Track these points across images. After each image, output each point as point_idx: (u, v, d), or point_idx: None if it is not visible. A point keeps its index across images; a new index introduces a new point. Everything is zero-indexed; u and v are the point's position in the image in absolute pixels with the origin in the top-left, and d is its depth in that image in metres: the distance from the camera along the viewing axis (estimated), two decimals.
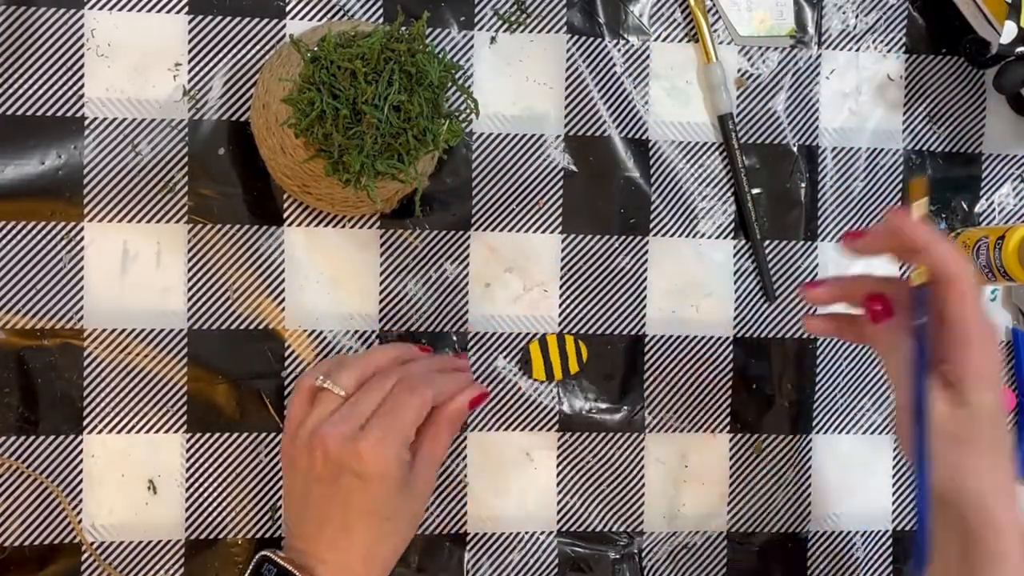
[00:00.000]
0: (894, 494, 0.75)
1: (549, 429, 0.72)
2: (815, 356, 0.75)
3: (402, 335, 0.70)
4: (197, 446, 0.69)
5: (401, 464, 0.59)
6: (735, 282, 0.74)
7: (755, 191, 0.74)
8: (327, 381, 0.61)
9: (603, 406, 0.73)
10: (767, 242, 0.74)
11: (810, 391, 0.75)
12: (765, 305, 0.74)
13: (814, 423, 0.75)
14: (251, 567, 0.60)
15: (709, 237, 0.74)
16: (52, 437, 0.67)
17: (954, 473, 0.55)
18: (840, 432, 0.75)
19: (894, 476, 0.76)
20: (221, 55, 0.68)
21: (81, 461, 0.68)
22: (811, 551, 0.75)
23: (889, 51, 0.76)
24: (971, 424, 0.54)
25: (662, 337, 0.73)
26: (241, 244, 0.69)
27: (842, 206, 0.75)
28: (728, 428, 0.74)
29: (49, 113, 0.67)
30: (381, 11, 0.70)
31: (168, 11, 0.68)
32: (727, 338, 0.74)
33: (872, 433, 0.75)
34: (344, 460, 0.58)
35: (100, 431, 0.68)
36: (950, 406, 0.54)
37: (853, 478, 0.75)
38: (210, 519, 0.69)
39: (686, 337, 0.74)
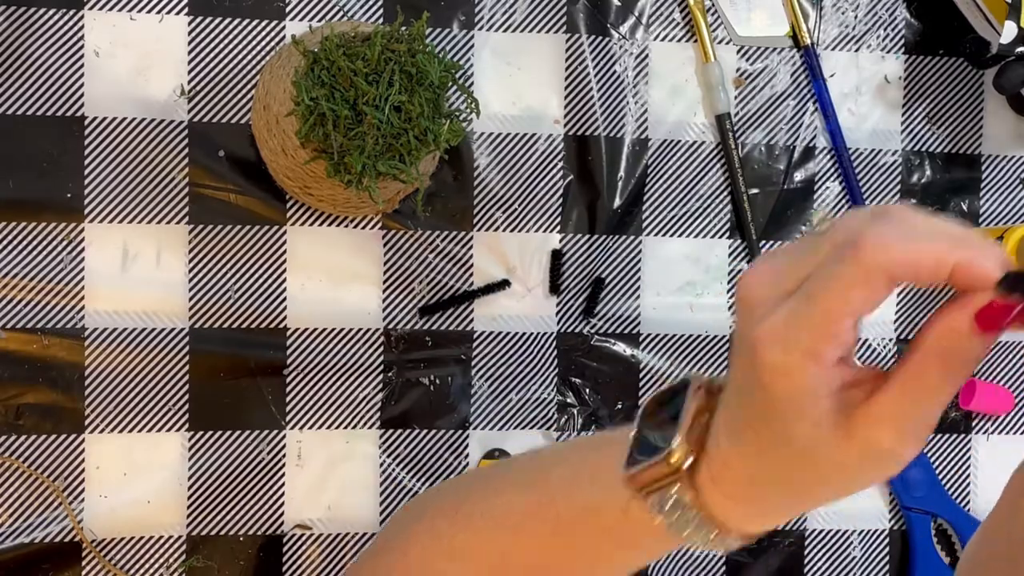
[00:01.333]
0: (891, 493, 0.76)
1: (550, 428, 0.72)
2: None
3: (404, 335, 0.71)
4: (198, 445, 0.69)
5: (812, 383, 0.35)
6: (731, 282, 0.74)
7: (752, 191, 0.74)
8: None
9: (601, 405, 0.73)
10: (763, 242, 0.74)
11: None
12: None
13: None
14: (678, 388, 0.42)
15: (706, 237, 0.74)
16: (52, 436, 0.67)
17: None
18: None
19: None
20: (221, 55, 0.68)
21: (82, 460, 0.68)
22: (808, 550, 0.75)
23: (888, 52, 0.76)
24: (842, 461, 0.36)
25: (657, 336, 0.73)
26: (242, 244, 0.69)
27: (840, 207, 0.75)
28: None
29: (49, 113, 0.67)
30: (381, 11, 0.70)
31: (168, 11, 0.68)
32: (723, 337, 0.74)
33: None
34: (749, 341, 0.36)
35: (101, 430, 0.68)
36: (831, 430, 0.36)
37: None
38: (211, 517, 0.69)
39: (682, 336, 0.74)
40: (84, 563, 0.68)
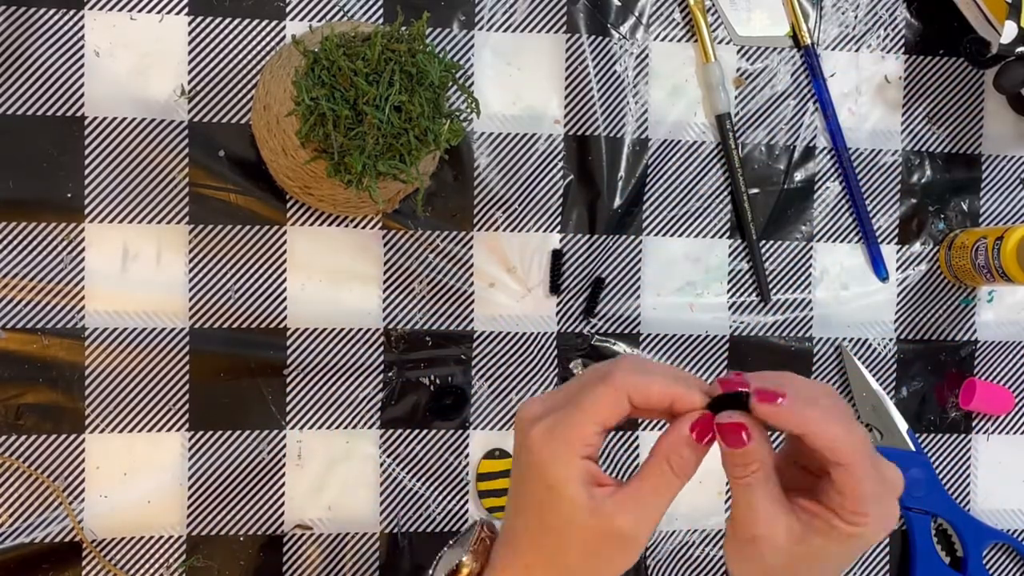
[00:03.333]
0: None
1: None
2: (811, 355, 0.75)
3: (405, 335, 0.71)
4: (198, 444, 0.69)
5: (572, 473, 0.45)
6: (731, 282, 0.74)
7: (752, 191, 0.74)
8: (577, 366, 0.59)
9: None
10: (763, 242, 0.74)
11: None
12: (760, 305, 0.74)
13: None
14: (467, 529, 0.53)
15: (706, 237, 0.74)
16: (52, 436, 0.67)
17: None
18: None
19: None
20: (221, 55, 0.68)
21: (82, 460, 0.68)
22: None
23: (888, 52, 0.76)
24: (813, 564, 0.46)
25: (657, 336, 0.73)
26: (242, 244, 0.69)
27: (840, 207, 0.75)
28: None
29: (49, 113, 0.67)
30: (381, 11, 0.70)
31: (168, 11, 0.68)
32: (723, 337, 0.74)
33: (869, 431, 0.75)
34: (519, 445, 0.47)
35: (101, 430, 0.68)
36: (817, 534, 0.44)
37: None
38: (211, 517, 0.69)
39: (681, 336, 0.74)
40: (84, 563, 0.68)
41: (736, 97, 0.74)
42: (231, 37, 0.68)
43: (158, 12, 0.68)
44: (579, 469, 0.45)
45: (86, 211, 0.67)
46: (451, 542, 0.52)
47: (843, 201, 0.75)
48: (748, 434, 0.45)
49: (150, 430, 0.68)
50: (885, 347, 0.76)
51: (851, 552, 0.46)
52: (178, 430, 0.69)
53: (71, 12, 0.67)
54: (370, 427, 0.71)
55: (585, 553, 0.46)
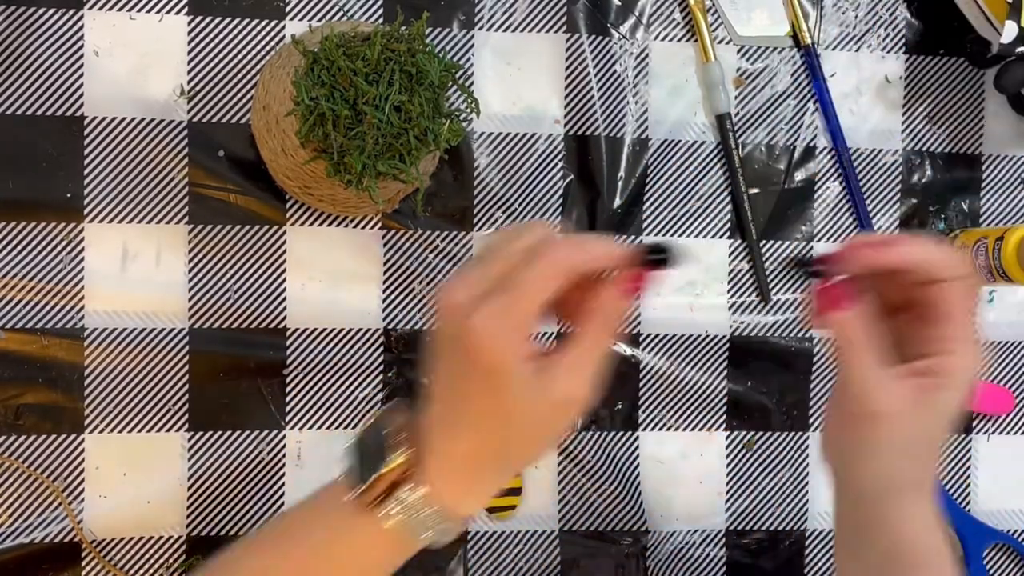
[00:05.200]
0: None
1: None
2: (811, 355, 0.75)
3: (405, 335, 0.71)
4: (198, 444, 0.69)
5: (518, 354, 0.45)
6: (731, 282, 0.74)
7: (752, 191, 0.74)
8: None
9: (600, 405, 0.73)
10: (763, 242, 0.74)
11: (806, 389, 0.75)
12: (760, 305, 0.74)
13: (811, 421, 0.75)
14: (374, 421, 0.51)
15: (706, 237, 0.74)
16: (52, 436, 0.67)
17: (893, 480, 0.49)
18: None
19: None
20: (221, 55, 0.68)
21: (82, 460, 0.68)
22: (808, 549, 0.75)
23: (888, 52, 0.76)
24: (932, 424, 0.49)
25: (657, 336, 0.73)
26: (242, 244, 0.69)
27: (840, 207, 0.75)
28: (724, 427, 0.74)
29: (49, 113, 0.67)
30: (381, 11, 0.70)
31: (168, 11, 0.68)
32: (723, 337, 0.74)
33: None
34: (455, 335, 0.45)
35: (101, 430, 0.68)
36: (912, 404, 0.48)
37: None
38: (211, 517, 0.69)
39: (681, 336, 0.74)
40: (84, 563, 0.68)
41: (736, 97, 0.74)
42: (231, 37, 0.68)
43: (158, 12, 0.68)
44: (526, 349, 0.45)
45: (86, 211, 0.67)
46: (358, 434, 0.50)
47: (843, 201, 0.75)
48: (849, 296, 0.48)
49: (150, 430, 0.68)
50: None
51: (960, 397, 0.48)
52: (178, 430, 0.69)
53: (71, 12, 0.67)
54: None
55: (533, 425, 0.46)
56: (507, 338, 0.44)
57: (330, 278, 0.70)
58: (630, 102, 0.73)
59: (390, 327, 0.71)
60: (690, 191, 0.74)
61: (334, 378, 0.70)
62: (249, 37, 0.69)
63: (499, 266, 0.46)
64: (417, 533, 0.47)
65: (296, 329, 0.70)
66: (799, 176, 0.75)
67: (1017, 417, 0.77)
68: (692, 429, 0.74)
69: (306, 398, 0.70)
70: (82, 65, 0.67)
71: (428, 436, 0.47)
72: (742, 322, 0.74)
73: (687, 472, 0.74)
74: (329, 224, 0.70)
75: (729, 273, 0.74)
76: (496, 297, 0.44)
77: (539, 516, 0.73)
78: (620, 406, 0.73)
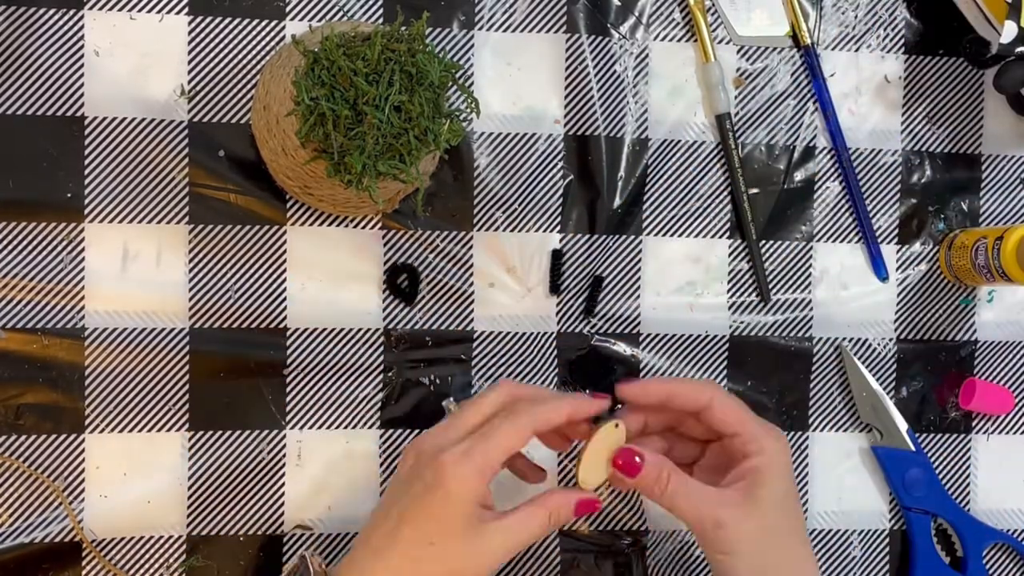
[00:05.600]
0: (891, 493, 0.76)
1: None
2: (811, 355, 0.75)
3: (404, 335, 0.71)
4: (198, 444, 0.69)
5: (474, 491, 0.54)
6: (731, 282, 0.74)
7: (752, 191, 0.74)
8: (451, 404, 0.67)
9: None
10: (763, 242, 0.74)
11: (806, 389, 0.75)
12: (760, 305, 0.74)
13: (810, 421, 0.75)
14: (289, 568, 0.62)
15: (706, 237, 0.74)
16: (52, 436, 0.67)
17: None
18: (836, 430, 0.75)
19: None
20: (221, 55, 0.68)
21: (82, 460, 0.68)
22: None
23: (888, 52, 0.76)
24: (770, 512, 0.58)
25: (657, 336, 0.73)
26: (242, 244, 0.69)
27: (840, 207, 0.75)
28: None
29: (49, 113, 0.67)
30: (381, 11, 0.70)
31: (168, 11, 0.68)
32: (723, 337, 0.74)
33: (869, 431, 0.76)
34: (424, 466, 0.55)
35: (101, 430, 0.68)
36: (743, 506, 0.58)
37: (850, 477, 0.76)
38: (211, 517, 0.69)
39: (681, 336, 0.74)
40: (84, 563, 0.68)
41: (736, 97, 0.74)
42: (231, 37, 0.68)
43: (158, 12, 0.68)
44: (481, 492, 0.54)
45: (86, 211, 0.67)
46: None
47: (843, 201, 0.75)
48: (639, 456, 0.58)
49: (150, 430, 0.68)
50: (885, 347, 0.76)
51: (781, 483, 0.59)
52: (178, 430, 0.69)
53: (71, 12, 0.67)
54: (370, 427, 0.71)
55: (457, 557, 0.54)
56: (473, 474, 0.54)
57: (330, 278, 0.70)
58: (630, 102, 0.73)
59: (390, 327, 0.71)
60: (690, 191, 0.74)
61: (334, 378, 0.70)
62: (249, 37, 0.69)
63: (473, 419, 0.57)
64: None
65: (296, 329, 0.70)
66: (799, 176, 0.75)
67: (1017, 417, 0.77)
68: None
69: (306, 398, 0.70)
70: (82, 65, 0.67)
71: (355, 557, 0.56)
72: (742, 322, 0.74)
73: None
74: (329, 224, 0.70)
75: (729, 273, 0.74)
76: (469, 443, 0.54)
77: None
78: (620, 406, 0.73)
